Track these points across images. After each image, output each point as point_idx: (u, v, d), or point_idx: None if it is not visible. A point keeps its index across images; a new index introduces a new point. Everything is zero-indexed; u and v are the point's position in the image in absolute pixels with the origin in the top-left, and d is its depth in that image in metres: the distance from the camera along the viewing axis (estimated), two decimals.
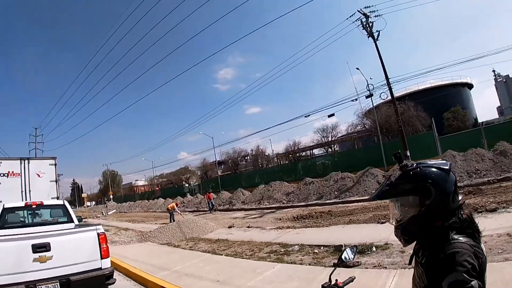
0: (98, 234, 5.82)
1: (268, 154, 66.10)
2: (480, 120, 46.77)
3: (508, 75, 63.88)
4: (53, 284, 5.26)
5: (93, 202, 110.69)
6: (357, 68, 33.61)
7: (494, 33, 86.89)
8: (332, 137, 51.19)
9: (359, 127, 45.51)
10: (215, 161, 64.31)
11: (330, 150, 50.76)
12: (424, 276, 1.63)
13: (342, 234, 9.47)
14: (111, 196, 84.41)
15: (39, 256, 5.23)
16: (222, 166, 73.70)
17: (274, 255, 8.16)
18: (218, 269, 7.51)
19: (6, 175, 15.31)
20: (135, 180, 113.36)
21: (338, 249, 7.40)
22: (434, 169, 1.70)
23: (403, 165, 1.78)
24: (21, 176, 15.56)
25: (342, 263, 2.31)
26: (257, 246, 9.70)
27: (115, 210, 58.70)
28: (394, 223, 1.80)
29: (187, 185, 71.52)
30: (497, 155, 17.96)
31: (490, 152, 18.72)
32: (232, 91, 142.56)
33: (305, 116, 34.71)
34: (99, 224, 6.21)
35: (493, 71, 63.84)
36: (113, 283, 5.89)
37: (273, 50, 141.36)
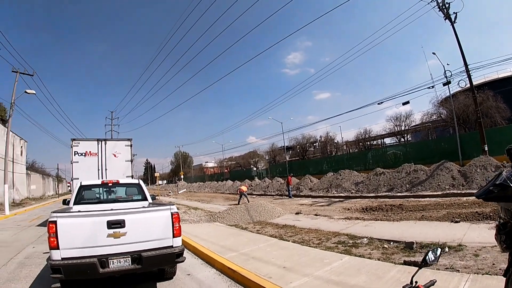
0: (172, 214, 5.98)
1: (337, 141, 65.34)
2: None
3: None
4: (125, 259, 5.52)
5: (164, 181, 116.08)
6: (434, 53, 31.53)
7: None
8: (405, 126, 49.32)
9: (434, 117, 43.14)
10: (283, 146, 64.44)
11: (403, 140, 49.04)
12: None
13: (413, 230, 9.18)
14: (182, 176, 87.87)
15: (113, 232, 5.47)
16: (290, 151, 73.93)
17: (342, 246, 8.09)
18: (285, 256, 7.55)
19: (83, 154, 16.58)
20: (205, 162, 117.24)
21: (409, 246, 7.21)
22: None
23: None
24: (98, 155, 16.79)
25: (425, 265, 2.26)
26: (324, 235, 9.66)
27: (185, 190, 60.82)
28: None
29: (255, 168, 72.60)
30: None
31: None
32: (300, 76, 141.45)
33: (378, 103, 33.34)
34: (173, 204, 6.37)
35: None
36: (182, 261, 6.05)
37: (342, 33, 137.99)
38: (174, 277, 7.19)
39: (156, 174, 58.72)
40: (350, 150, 59.46)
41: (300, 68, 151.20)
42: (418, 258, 6.17)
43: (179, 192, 57.25)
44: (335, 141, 65.41)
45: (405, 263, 6.00)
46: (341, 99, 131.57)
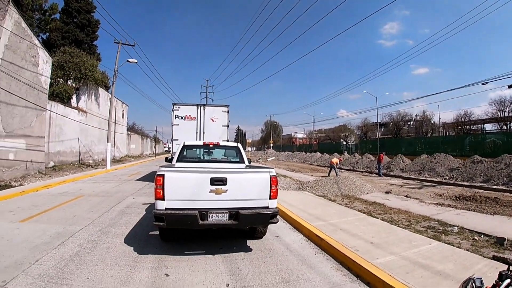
0: (271, 177, 6.29)
1: (434, 122, 61.91)
2: None
3: None
4: (223, 214, 6.00)
5: (254, 148, 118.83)
6: None
7: None
8: (509, 113, 45.36)
9: None
10: (376, 122, 62.57)
11: (505, 127, 45.10)
12: None
13: (506, 226, 8.86)
14: (271, 145, 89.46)
15: (215, 188, 5.93)
16: (383, 128, 71.64)
17: (432, 231, 8.09)
18: (373, 232, 7.71)
19: (183, 118, 17.90)
20: (295, 132, 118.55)
21: (500, 242, 7.07)
22: None
23: None
24: (196, 119, 18.05)
25: None
26: (414, 218, 9.68)
27: (273, 158, 62.15)
28: None
29: (344, 143, 71.56)
30: None
31: None
32: (397, 48, 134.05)
33: (482, 84, 30.64)
34: (272, 168, 6.67)
35: None
36: (276, 222, 6.34)
37: (444, 3, 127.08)
38: (263, 237, 7.68)
39: (248, 141, 60.71)
40: (447, 133, 56.46)
41: (397, 40, 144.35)
42: (508, 255, 6.12)
43: (268, 159, 58.40)
44: (432, 121, 62.33)
45: (494, 258, 5.93)
46: (442, 75, 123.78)
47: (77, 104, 32.61)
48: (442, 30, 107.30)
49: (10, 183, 16.35)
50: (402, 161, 31.03)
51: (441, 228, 8.45)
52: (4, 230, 8.02)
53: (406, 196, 14.69)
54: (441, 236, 7.59)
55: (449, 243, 6.89)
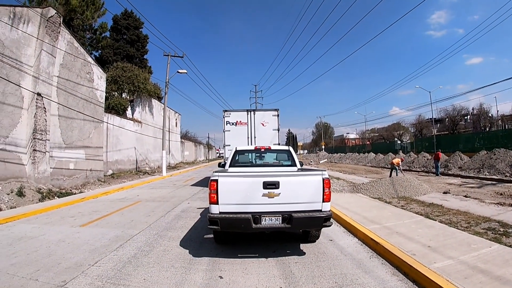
0: (323, 179, 6.25)
1: (491, 115, 59.16)
2: None
3: None
4: (276, 218, 6.04)
5: (305, 151, 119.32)
6: None
7: None
8: None
9: None
10: (431, 118, 60.60)
11: None
12: None
13: None
14: (323, 147, 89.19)
15: (268, 192, 6.00)
16: (438, 125, 69.20)
17: (492, 233, 7.75)
18: (430, 235, 7.51)
19: (234, 124, 18.40)
20: (347, 133, 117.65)
21: None
22: None
23: None
24: (247, 125, 18.45)
25: None
26: (473, 219, 9.30)
27: (326, 160, 61.83)
28: None
29: (399, 142, 69.87)
30: None
31: None
32: (448, 38, 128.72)
33: None
34: (325, 170, 6.64)
35: None
36: (330, 225, 6.30)
37: None
38: (317, 240, 7.68)
39: (299, 144, 60.88)
40: (506, 126, 53.86)
41: (446, 29, 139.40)
42: None
43: (320, 162, 58.04)
44: (490, 114, 59.66)
45: None
46: (497, 64, 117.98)
47: (132, 115, 34.12)
48: (495, 14, 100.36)
49: (71, 190, 17.30)
50: (460, 159, 29.83)
51: (502, 229, 8.09)
52: (65, 234, 8.56)
53: (465, 196, 14.13)
54: (501, 238, 7.26)
55: (510, 246, 6.60)
